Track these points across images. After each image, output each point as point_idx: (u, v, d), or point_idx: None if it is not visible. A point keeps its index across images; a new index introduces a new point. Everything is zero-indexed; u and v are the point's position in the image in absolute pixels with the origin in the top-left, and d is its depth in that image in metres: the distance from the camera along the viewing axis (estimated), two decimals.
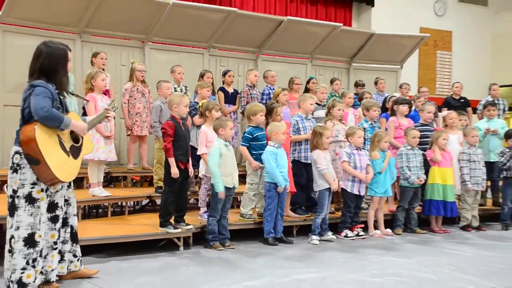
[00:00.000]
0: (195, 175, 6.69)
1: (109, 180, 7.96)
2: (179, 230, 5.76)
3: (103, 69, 7.30)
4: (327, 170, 6.44)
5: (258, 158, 6.37)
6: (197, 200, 7.07)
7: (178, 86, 7.89)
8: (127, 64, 8.60)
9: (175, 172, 5.60)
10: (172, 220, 5.77)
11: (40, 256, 4.02)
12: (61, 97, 4.20)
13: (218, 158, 5.78)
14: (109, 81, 7.26)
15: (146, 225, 6.08)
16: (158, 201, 6.88)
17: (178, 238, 5.80)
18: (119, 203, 7.62)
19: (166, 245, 5.82)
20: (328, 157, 6.55)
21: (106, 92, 6.90)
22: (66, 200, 4.33)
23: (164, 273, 4.84)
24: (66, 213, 4.33)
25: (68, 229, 4.37)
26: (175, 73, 7.96)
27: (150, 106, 7.61)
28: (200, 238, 6.05)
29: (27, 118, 4.01)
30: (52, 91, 4.03)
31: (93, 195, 6.48)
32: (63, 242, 4.32)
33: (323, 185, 6.46)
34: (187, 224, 5.86)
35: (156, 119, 7.03)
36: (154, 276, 4.69)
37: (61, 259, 4.33)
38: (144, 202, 8.16)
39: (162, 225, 5.72)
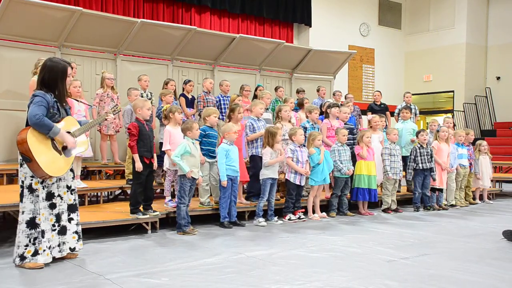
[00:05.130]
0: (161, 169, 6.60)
1: (86, 174, 7.78)
2: (147, 216, 5.69)
3: (73, 76, 7.11)
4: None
5: (207, 153, 6.33)
6: (163, 190, 6.97)
7: (145, 92, 7.76)
8: (101, 74, 8.41)
9: (138, 166, 5.52)
10: (141, 208, 5.68)
11: (42, 236, 4.07)
12: (59, 105, 4.21)
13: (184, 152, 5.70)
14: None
15: (119, 212, 5.96)
16: (129, 191, 6.74)
17: (147, 223, 5.73)
18: (95, 193, 7.45)
19: (136, 229, 5.74)
20: (274, 154, 6.55)
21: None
22: (72, 190, 4.38)
23: (134, 252, 4.76)
24: (74, 200, 4.39)
25: (78, 213, 4.41)
26: (142, 81, 7.83)
27: None
28: (166, 222, 5.99)
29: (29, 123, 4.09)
30: (48, 100, 4.07)
31: None
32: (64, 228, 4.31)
33: (266, 174, 6.50)
34: (154, 211, 5.79)
35: (128, 121, 6.89)
36: (126, 255, 4.61)
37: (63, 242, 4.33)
38: (117, 192, 8.03)
39: (133, 212, 5.64)
